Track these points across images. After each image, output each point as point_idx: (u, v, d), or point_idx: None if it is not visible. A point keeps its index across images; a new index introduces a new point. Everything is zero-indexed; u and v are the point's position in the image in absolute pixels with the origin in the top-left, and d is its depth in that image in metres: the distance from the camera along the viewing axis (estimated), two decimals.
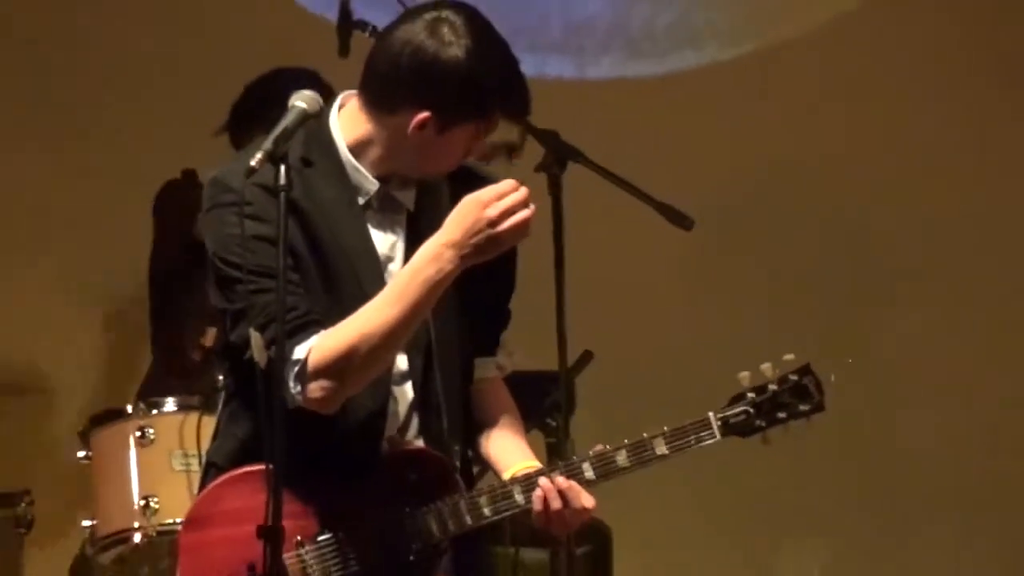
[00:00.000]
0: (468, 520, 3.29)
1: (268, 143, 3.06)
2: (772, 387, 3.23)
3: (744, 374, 3.25)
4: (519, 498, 3.29)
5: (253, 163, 3.04)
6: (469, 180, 3.31)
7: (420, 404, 3.38)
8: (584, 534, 4.88)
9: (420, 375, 3.39)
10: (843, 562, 6.03)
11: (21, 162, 6.07)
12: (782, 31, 5.95)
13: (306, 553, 3.28)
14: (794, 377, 3.26)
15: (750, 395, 3.24)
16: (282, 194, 3.04)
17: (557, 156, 4.46)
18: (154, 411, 4.97)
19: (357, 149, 3.24)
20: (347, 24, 4.52)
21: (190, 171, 5.32)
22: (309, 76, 4.55)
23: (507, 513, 3.33)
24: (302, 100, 3.15)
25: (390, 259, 3.30)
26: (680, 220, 4.57)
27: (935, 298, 6.08)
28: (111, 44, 6.08)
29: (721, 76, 6.00)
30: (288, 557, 3.24)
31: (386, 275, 3.27)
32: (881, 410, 5.85)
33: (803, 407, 3.25)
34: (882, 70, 6.19)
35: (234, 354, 3.26)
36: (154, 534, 4.86)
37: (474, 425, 3.48)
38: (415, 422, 3.40)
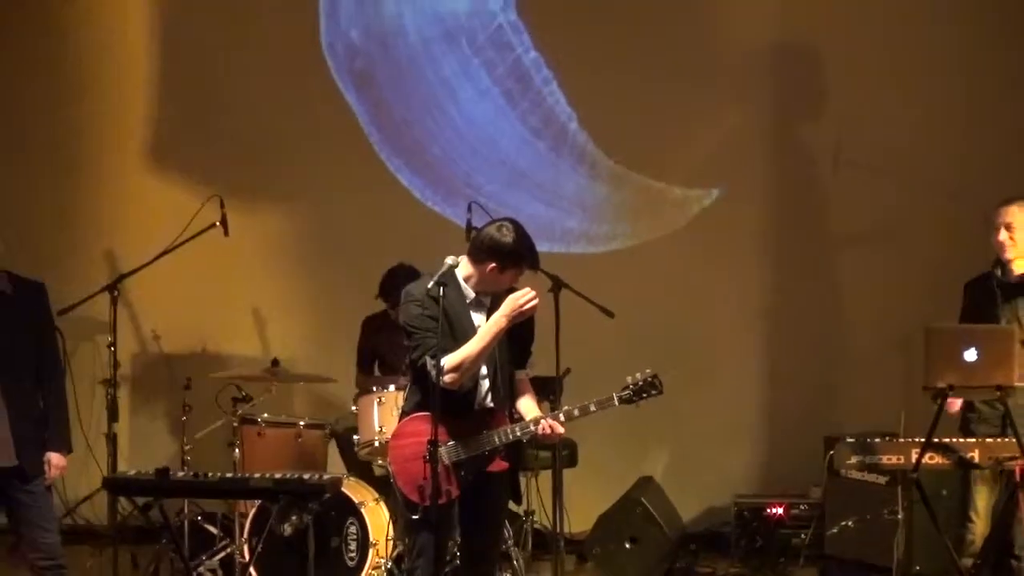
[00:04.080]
0: (511, 437, 5.25)
1: (436, 277, 5.11)
2: (640, 382, 5.21)
3: (628, 377, 5.23)
4: (532, 428, 5.24)
5: (430, 286, 5.12)
6: (511, 290, 5.28)
7: (491, 387, 5.27)
8: (563, 444, 6.88)
9: (491, 374, 5.26)
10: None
11: None
12: (654, 232, 8.80)
13: (443, 448, 5.20)
14: (650, 378, 5.23)
15: (631, 385, 5.22)
16: (442, 300, 5.17)
17: (556, 283, 6.82)
18: (384, 389, 7.00)
19: (467, 279, 5.28)
20: (469, 227, 6.77)
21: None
22: (406, 270, 7.10)
23: (528, 434, 5.26)
24: (449, 259, 5.23)
25: (479, 325, 5.26)
26: (606, 311, 7.08)
27: None
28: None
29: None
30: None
31: (477, 330, 5.22)
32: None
33: (653, 392, 5.24)
34: None
35: (414, 365, 5.30)
36: (384, 441, 6.71)
37: (514, 398, 5.40)
38: (490, 396, 5.30)
